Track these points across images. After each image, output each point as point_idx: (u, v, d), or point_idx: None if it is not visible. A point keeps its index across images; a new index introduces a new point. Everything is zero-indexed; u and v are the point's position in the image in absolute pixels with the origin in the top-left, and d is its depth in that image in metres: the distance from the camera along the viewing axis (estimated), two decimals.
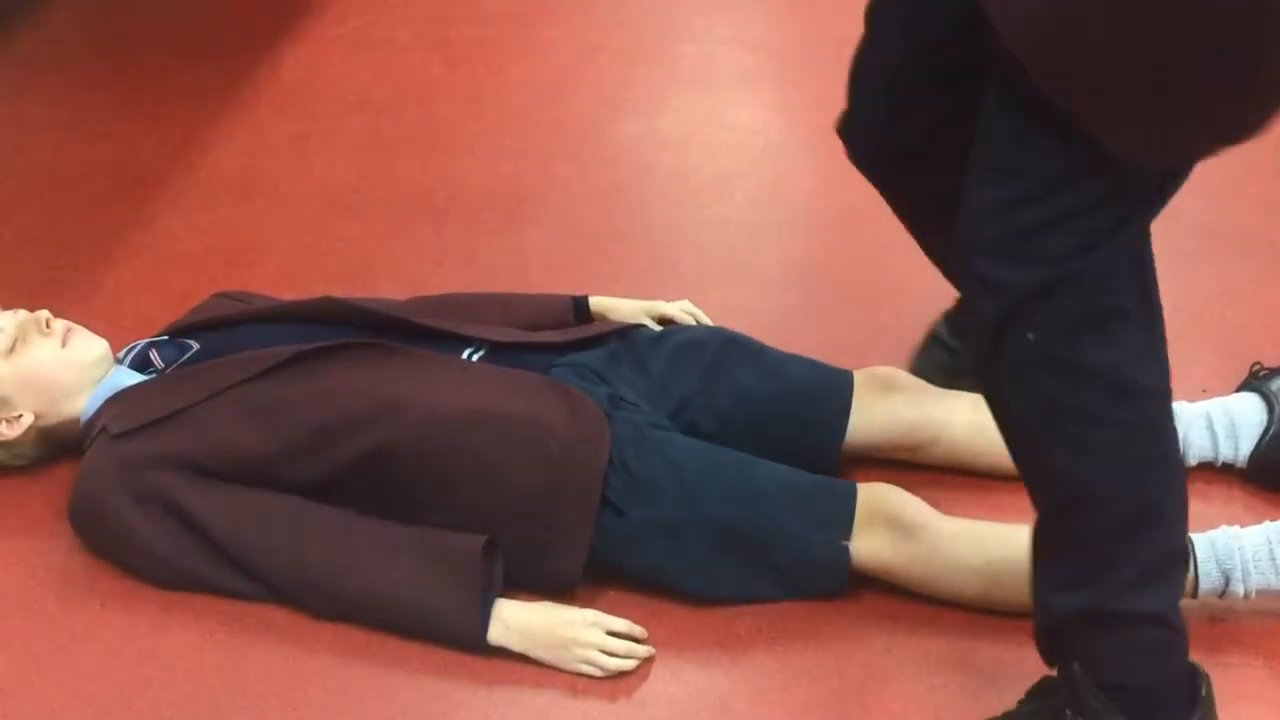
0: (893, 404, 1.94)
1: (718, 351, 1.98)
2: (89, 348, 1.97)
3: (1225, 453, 1.94)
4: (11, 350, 1.93)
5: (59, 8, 3.35)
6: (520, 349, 1.96)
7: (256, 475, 1.81)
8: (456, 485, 1.78)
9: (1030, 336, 1.37)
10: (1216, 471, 1.96)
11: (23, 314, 1.98)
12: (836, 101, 2.88)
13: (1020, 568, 1.73)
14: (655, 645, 1.75)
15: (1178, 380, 2.07)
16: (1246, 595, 1.71)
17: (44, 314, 1.98)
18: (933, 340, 2.05)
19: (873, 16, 1.72)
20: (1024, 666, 1.71)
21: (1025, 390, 1.42)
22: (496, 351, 1.95)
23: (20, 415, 1.93)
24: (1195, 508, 1.88)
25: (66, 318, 2.01)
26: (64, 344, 1.95)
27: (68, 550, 1.89)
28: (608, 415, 1.82)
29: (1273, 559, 1.70)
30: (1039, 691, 1.60)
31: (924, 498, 1.79)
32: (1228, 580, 1.70)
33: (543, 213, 2.47)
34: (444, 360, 1.91)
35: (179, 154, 2.67)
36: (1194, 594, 1.72)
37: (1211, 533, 1.74)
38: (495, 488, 1.77)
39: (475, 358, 1.94)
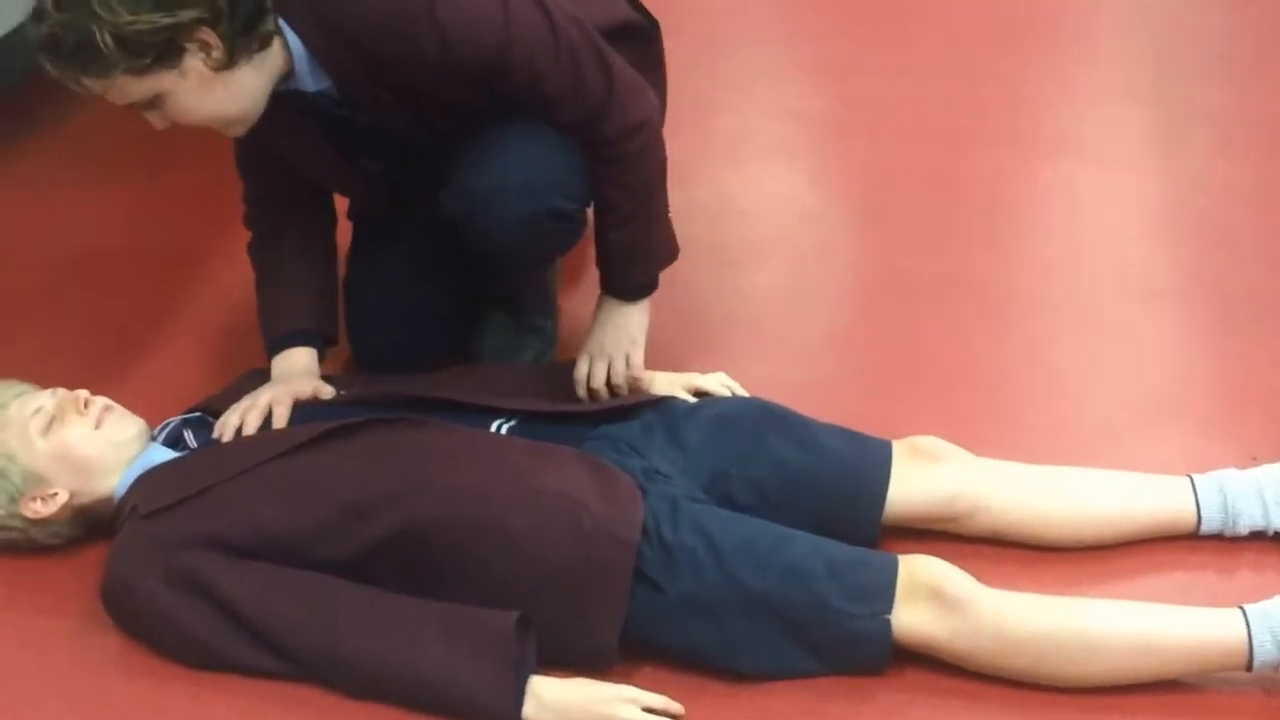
0: (932, 475, 1.91)
1: (754, 423, 1.96)
2: (124, 427, 1.98)
3: (1277, 521, 1.90)
4: (48, 429, 1.94)
5: (96, 101, 3.40)
6: (553, 420, 1.95)
7: (287, 553, 1.79)
8: (489, 561, 1.77)
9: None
10: (1269, 541, 1.91)
11: (61, 393, 1.99)
12: (874, 171, 2.91)
13: (1068, 641, 1.70)
14: None
15: (1226, 446, 2.06)
16: None
17: (82, 393, 1.99)
18: None
19: None
20: None
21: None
22: (528, 422, 1.94)
23: (55, 493, 1.94)
24: (1248, 578, 1.87)
25: (105, 394, 2.02)
26: (100, 423, 1.96)
27: (103, 631, 1.88)
28: (642, 488, 1.80)
29: None
30: None
31: (966, 569, 1.75)
32: None
33: (578, 283, 2.47)
34: (474, 434, 1.90)
35: (218, 232, 2.69)
36: (1248, 667, 1.68)
37: (1264, 604, 1.70)
38: (528, 563, 1.76)
39: (506, 428, 1.93)
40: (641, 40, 2.22)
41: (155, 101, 1.83)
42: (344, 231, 2.33)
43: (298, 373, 2.10)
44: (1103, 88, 3.23)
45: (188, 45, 1.78)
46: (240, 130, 1.93)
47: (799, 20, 3.63)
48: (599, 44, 1.96)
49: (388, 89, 1.94)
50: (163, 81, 1.79)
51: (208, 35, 1.78)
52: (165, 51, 1.76)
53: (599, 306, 2.15)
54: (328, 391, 2.06)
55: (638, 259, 2.11)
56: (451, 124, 2.02)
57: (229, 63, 1.82)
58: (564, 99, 1.94)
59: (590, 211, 2.14)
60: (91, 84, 1.79)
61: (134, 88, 1.80)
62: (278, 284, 2.19)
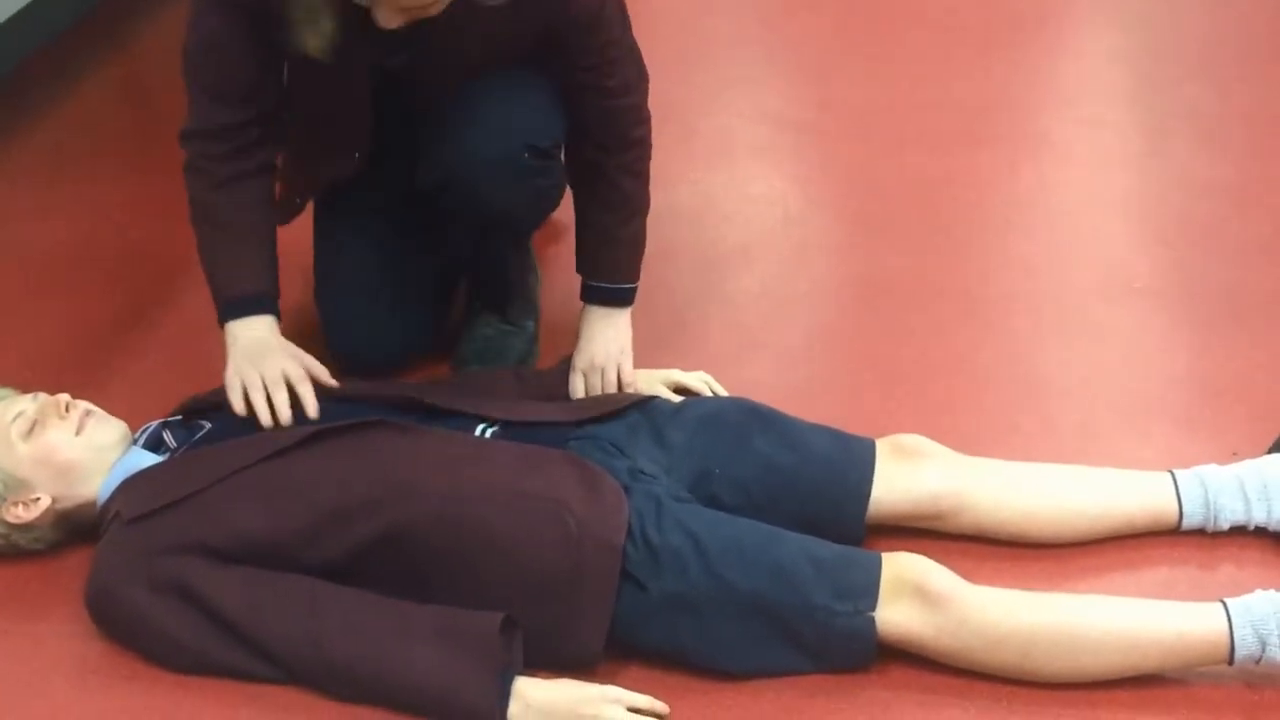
0: (916, 472, 1.92)
1: (738, 423, 1.97)
2: (106, 431, 1.98)
3: (1258, 516, 1.91)
4: (30, 433, 1.93)
5: (79, 98, 3.40)
6: (536, 423, 1.95)
7: (271, 558, 1.79)
8: (473, 564, 1.77)
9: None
10: (1250, 535, 1.92)
11: (43, 397, 1.99)
12: (856, 173, 2.92)
13: (1052, 636, 1.71)
14: None
15: (1207, 443, 2.07)
16: None
17: (64, 398, 1.98)
18: None
19: None
20: None
21: None
22: (511, 425, 1.94)
23: (38, 498, 1.93)
24: (1229, 572, 1.88)
25: (86, 397, 2.02)
26: (81, 427, 1.95)
27: (86, 636, 1.87)
28: (627, 488, 1.80)
29: None
30: None
31: (950, 566, 1.76)
32: (1264, 645, 1.67)
33: (561, 284, 2.48)
34: (458, 438, 1.90)
35: None
36: (1230, 661, 1.68)
37: (1246, 598, 1.70)
38: (512, 565, 1.75)
39: (490, 432, 1.93)
40: None
41: None
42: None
43: (272, 346, 2.02)
44: (1084, 89, 3.24)
45: None
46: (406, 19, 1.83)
47: (780, 24, 3.64)
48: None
49: (502, 22, 1.89)
50: None
51: None
52: None
53: (585, 319, 2.16)
54: (325, 373, 2.02)
55: (634, 260, 2.17)
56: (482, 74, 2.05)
57: None
58: (617, 64, 2.05)
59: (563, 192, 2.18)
60: None
61: None
62: (232, 236, 2.08)
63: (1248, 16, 3.52)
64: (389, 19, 1.79)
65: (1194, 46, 3.40)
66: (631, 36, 2.09)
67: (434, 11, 1.82)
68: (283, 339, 2.05)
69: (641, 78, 2.12)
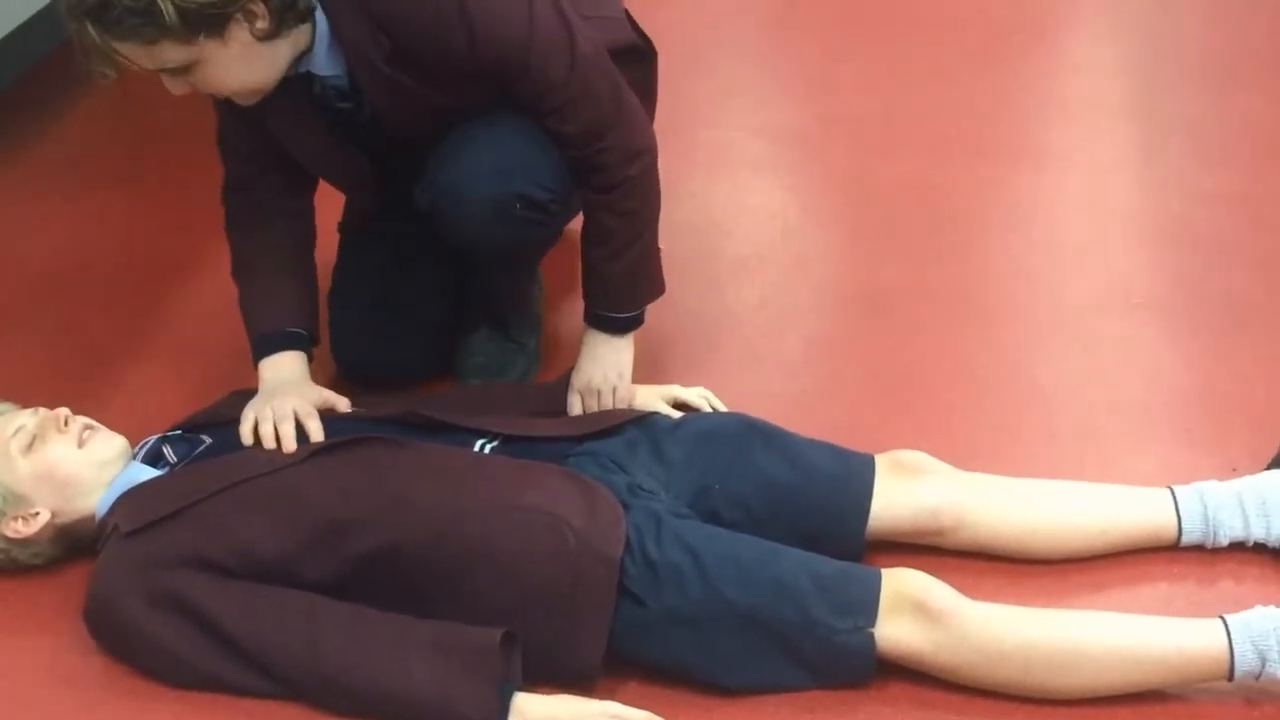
0: (915, 488, 1.91)
1: (737, 438, 1.97)
2: (106, 446, 1.98)
3: (1257, 532, 1.91)
4: (29, 447, 1.93)
5: (79, 110, 3.40)
6: (535, 439, 1.95)
7: (269, 572, 1.79)
8: (472, 579, 1.77)
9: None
10: (1249, 551, 1.92)
11: (43, 412, 1.98)
12: (856, 184, 2.92)
13: (1053, 653, 1.71)
14: None
15: (1207, 456, 2.07)
16: None
17: (63, 412, 1.98)
18: None
19: None
20: None
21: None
22: (511, 441, 1.94)
23: (37, 513, 1.93)
24: (1228, 588, 1.88)
25: (85, 412, 2.02)
26: (81, 442, 1.95)
27: (85, 651, 1.87)
28: (625, 504, 1.80)
29: None
30: None
31: (950, 582, 1.76)
32: (1264, 661, 1.66)
33: (561, 298, 2.48)
34: (457, 453, 1.90)
35: (200, 249, 2.69)
36: (1230, 677, 1.68)
37: (1245, 614, 1.70)
38: (511, 580, 1.75)
39: (490, 448, 1.93)
40: (639, 64, 2.24)
41: (188, 68, 1.81)
42: (329, 244, 2.33)
43: (294, 382, 2.06)
44: (1083, 99, 3.25)
45: (237, 15, 1.78)
46: (253, 100, 1.93)
47: (780, 36, 3.65)
48: (612, 68, 2.00)
49: (411, 76, 1.94)
50: (205, 49, 1.78)
51: (256, 6, 1.80)
52: (218, 20, 1.76)
53: (585, 341, 2.15)
54: (343, 404, 2.05)
55: (629, 292, 2.12)
56: (451, 120, 2.03)
57: (273, 34, 1.83)
58: (570, 109, 1.96)
59: (566, 226, 2.17)
60: (133, 50, 1.76)
61: (175, 54, 1.78)
62: (264, 277, 2.15)
63: (1246, 27, 3.53)
64: (170, 86, 1.84)
65: (1193, 57, 3.41)
66: (594, 83, 1.96)
67: (217, 89, 1.87)
68: (304, 377, 2.09)
69: (619, 121, 1.99)
